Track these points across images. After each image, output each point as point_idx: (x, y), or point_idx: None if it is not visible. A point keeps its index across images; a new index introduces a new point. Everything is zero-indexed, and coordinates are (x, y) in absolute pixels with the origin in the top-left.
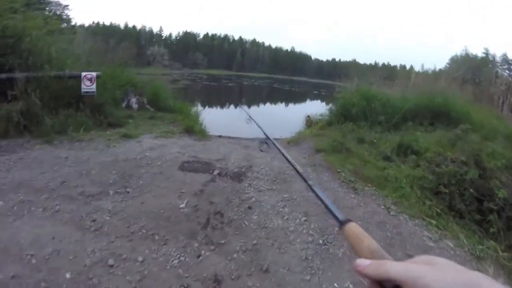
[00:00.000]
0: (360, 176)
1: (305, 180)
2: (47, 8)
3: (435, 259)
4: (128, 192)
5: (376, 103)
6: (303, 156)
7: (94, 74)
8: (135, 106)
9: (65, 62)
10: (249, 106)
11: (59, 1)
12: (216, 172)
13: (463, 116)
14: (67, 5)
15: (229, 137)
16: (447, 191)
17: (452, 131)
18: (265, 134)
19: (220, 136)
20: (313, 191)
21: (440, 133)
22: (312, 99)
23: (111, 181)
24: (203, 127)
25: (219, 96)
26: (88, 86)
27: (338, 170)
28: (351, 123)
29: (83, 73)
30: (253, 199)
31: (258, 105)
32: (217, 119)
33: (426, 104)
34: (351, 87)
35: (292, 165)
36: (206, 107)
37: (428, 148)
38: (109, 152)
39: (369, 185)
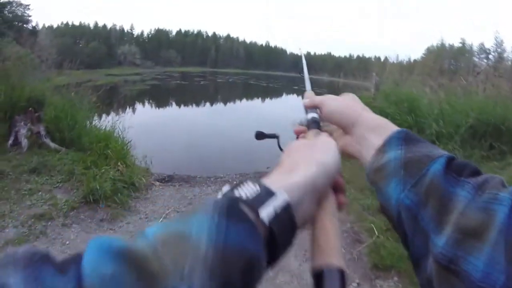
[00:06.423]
0: None
1: None
2: (6, 9)
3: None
4: None
5: (428, 119)
6: None
7: None
8: (24, 142)
9: None
10: (224, 104)
11: (20, 1)
12: None
13: None
14: (28, 5)
15: (186, 181)
16: None
17: None
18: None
19: (168, 181)
20: None
21: None
22: (291, 94)
23: None
24: (141, 165)
25: (189, 97)
26: None
27: None
28: None
29: None
30: None
31: (234, 102)
32: (178, 132)
33: (486, 118)
34: (370, 86)
35: None
36: (168, 114)
37: None
38: None
39: None
